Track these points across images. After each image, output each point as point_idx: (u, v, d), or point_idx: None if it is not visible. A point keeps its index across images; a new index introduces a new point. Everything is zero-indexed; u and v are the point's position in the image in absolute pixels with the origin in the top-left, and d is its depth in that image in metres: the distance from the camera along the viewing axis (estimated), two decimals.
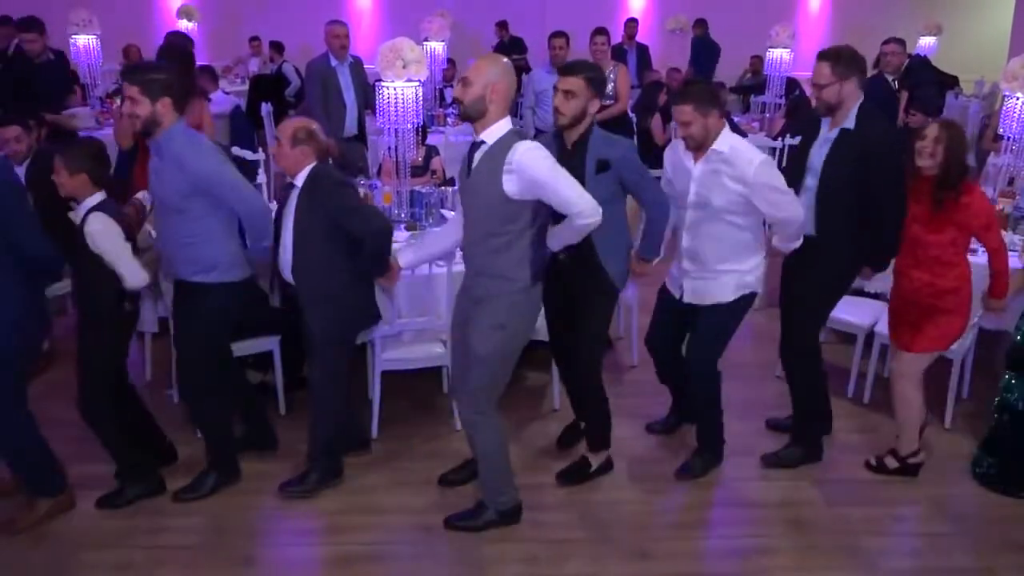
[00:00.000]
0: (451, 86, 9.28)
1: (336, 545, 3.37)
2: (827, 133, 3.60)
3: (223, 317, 3.51)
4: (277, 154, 3.46)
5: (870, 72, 6.52)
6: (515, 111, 9.14)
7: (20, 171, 4.70)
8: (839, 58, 3.50)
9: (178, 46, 5.28)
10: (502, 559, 3.29)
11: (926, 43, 11.23)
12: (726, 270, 3.50)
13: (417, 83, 4.68)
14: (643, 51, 9.99)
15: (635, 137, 7.12)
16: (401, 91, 4.60)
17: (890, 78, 6.40)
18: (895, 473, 3.82)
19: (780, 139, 7.11)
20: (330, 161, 5.82)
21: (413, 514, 3.54)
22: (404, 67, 4.56)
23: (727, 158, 3.36)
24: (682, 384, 4.00)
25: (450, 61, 9.58)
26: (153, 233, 3.78)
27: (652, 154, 7.38)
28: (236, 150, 5.56)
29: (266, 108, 8.51)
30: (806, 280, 3.67)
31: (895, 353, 3.82)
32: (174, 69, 3.54)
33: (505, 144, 2.99)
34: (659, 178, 3.65)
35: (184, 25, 11.77)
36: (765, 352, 4.75)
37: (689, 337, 3.74)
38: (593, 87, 3.38)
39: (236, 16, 12.75)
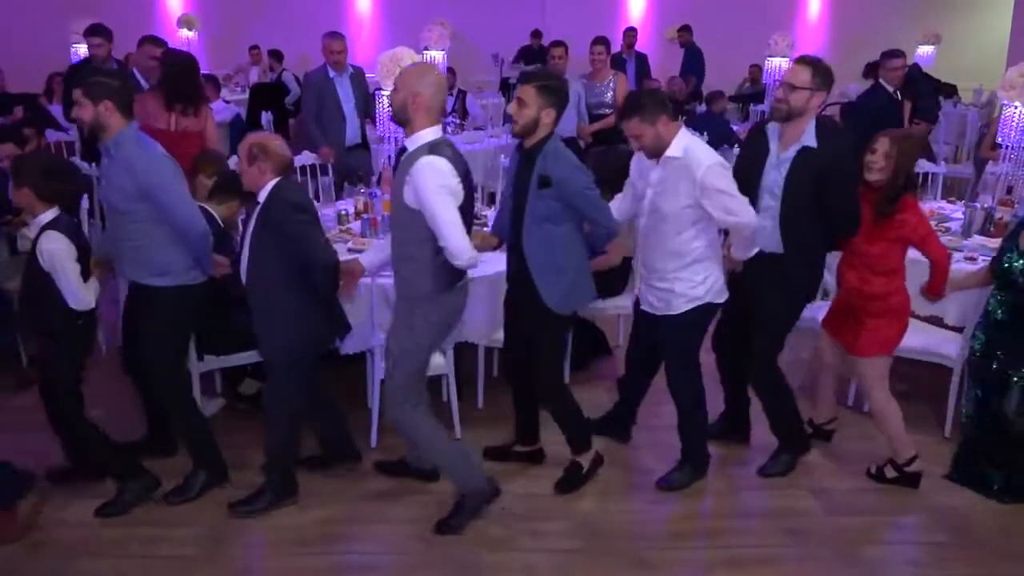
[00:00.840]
0: (451, 95, 9.31)
1: (333, 555, 3.36)
2: (782, 153, 3.52)
3: (183, 320, 3.47)
4: (239, 172, 3.39)
5: (866, 83, 6.56)
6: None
7: None
8: (819, 68, 3.47)
9: (181, 55, 5.29)
10: (502, 568, 3.28)
11: (924, 52, 11.28)
12: (678, 279, 3.48)
13: None
14: (642, 60, 10.01)
15: None
16: None
17: (890, 88, 6.40)
18: (894, 483, 3.82)
19: None
20: (329, 169, 5.89)
21: (411, 524, 3.52)
22: None
23: (681, 162, 3.34)
24: (632, 398, 4.09)
25: (450, 70, 9.59)
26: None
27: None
28: (235, 159, 5.56)
29: (266, 117, 8.55)
30: (774, 298, 3.63)
31: (850, 361, 3.84)
32: (121, 77, 3.51)
33: (416, 154, 3.04)
34: None
35: (184, 34, 11.82)
36: None
37: None
38: (544, 95, 3.26)
39: (236, 25, 12.77)
